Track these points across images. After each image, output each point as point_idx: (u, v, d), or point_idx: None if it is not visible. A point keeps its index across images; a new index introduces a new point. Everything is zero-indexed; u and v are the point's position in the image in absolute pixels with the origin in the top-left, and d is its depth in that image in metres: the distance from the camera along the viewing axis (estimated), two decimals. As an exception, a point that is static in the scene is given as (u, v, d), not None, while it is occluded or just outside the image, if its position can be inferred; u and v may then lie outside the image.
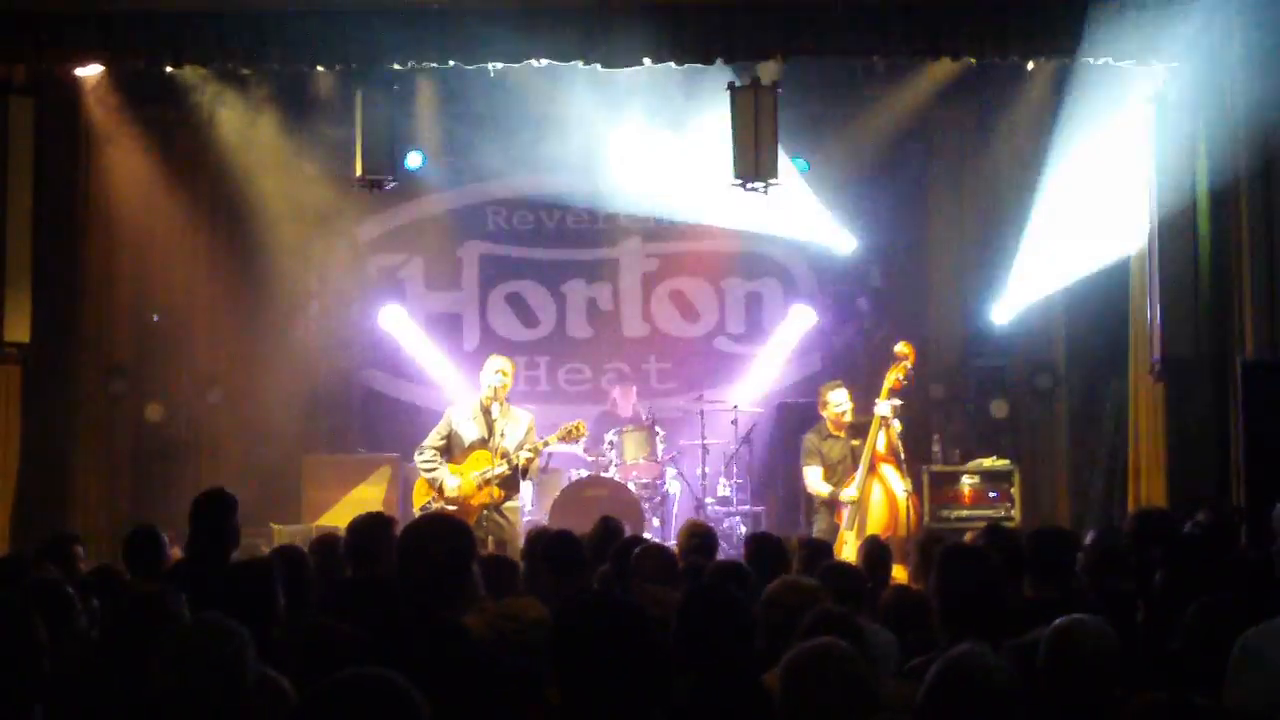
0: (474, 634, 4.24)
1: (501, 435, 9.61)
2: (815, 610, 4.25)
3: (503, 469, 9.54)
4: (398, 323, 12.53)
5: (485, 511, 9.51)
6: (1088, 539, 6.43)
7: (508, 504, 9.82)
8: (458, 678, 3.79)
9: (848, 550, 9.16)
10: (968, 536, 10.27)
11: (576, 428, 9.96)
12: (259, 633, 4.56)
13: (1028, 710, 3.29)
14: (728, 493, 11.72)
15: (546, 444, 9.86)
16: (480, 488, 9.55)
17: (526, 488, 10.39)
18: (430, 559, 4.15)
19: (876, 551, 7.05)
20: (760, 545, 6.62)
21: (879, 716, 3.50)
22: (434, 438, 9.78)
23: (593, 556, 6.40)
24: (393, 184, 10.90)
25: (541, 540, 6.55)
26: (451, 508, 9.39)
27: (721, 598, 4.05)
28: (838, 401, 9.94)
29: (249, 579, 4.99)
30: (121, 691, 4.21)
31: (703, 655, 3.85)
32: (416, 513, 9.65)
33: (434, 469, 9.66)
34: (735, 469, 11.77)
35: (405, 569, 4.24)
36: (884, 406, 9.44)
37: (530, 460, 9.68)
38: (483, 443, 9.66)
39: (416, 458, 9.83)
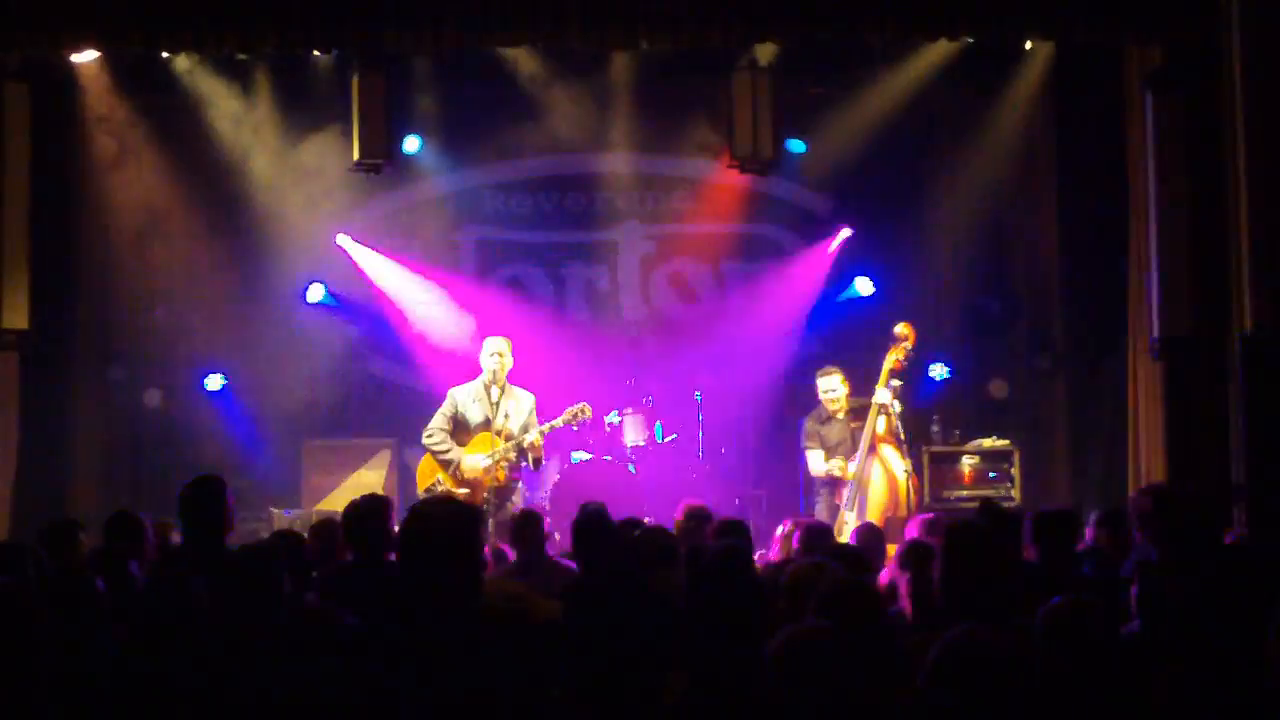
0: (480, 619, 4.23)
1: (505, 417, 9.61)
2: (829, 581, 4.24)
3: (508, 450, 9.53)
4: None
5: (488, 495, 9.52)
6: (1091, 519, 6.45)
7: (511, 487, 9.83)
8: (464, 662, 3.79)
9: (848, 531, 9.18)
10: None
11: (582, 410, 9.95)
12: (263, 618, 4.58)
13: (1028, 689, 3.30)
14: (728, 475, 11.72)
15: (553, 427, 9.85)
16: (487, 471, 9.55)
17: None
18: (437, 543, 4.10)
19: (870, 538, 7.06)
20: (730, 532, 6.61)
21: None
22: (440, 419, 9.78)
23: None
24: (389, 168, 10.91)
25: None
26: (460, 490, 9.39)
27: (729, 575, 4.05)
28: (828, 388, 9.95)
29: (253, 564, 5.00)
30: (139, 674, 4.22)
31: (710, 632, 3.85)
32: (421, 495, 9.65)
33: (447, 450, 9.65)
34: (735, 451, 11.77)
35: (409, 552, 4.19)
36: (883, 394, 9.43)
37: (537, 447, 9.67)
38: (486, 424, 9.66)
39: (426, 440, 9.82)
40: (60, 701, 3.90)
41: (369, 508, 6.12)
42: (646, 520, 7.65)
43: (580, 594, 5.17)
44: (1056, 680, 3.61)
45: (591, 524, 6.20)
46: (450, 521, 4.04)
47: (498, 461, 9.55)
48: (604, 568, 5.96)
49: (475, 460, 9.56)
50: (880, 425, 9.43)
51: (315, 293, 12.31)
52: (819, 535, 6.96)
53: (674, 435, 11.52)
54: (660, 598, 4.43)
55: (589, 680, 3.55)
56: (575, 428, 10.33)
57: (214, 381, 12.19)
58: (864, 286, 12.29)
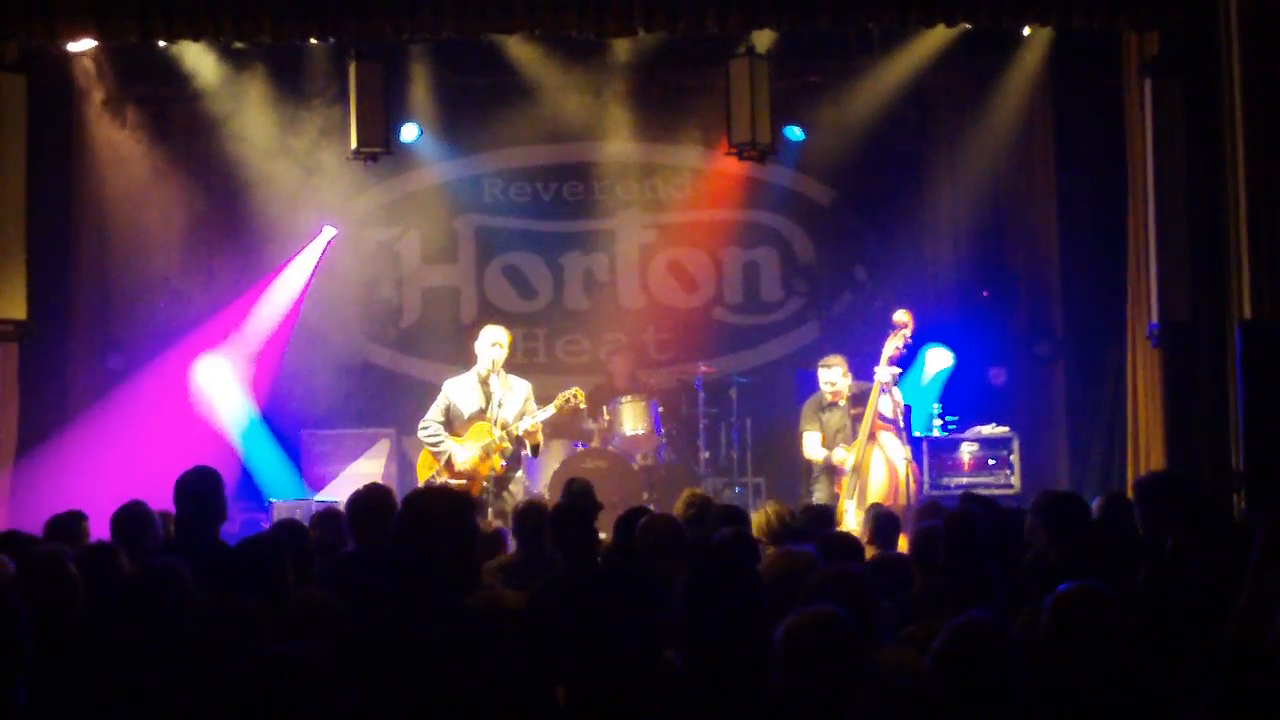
0: (476, 610, 4.23)
1: (500, 405, 9.58)
2: (821, 570, 4.25)
3: (501, 438, 9.51)
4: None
5: (486, 484, 9.51)
6: (1094, 505, 6.45)
7: (509, 476, 9.81)
8: (460, 654, 3.80)
9: (848, 519, 9.19)
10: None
11: (574, 395, 9.92)
12: (270, 608, 4.57)
13: (1035, 675, 3.31)
14: (727, 463, 11.74)
15: (547, 414, 9.83)
16: (483, 460, 9.54)
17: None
18: (432, 531, 4.11)
19: (883, 520, 7.04)
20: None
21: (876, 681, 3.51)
22: (435, 412, 9.76)
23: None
24: (388, 157, 10.90)
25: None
26: (457, 482, 9.38)
27: (732, 565, 4.04)
28: (828, 380, 9.93)
29: (259, 556, 5.00)
30: (127, 664, 4.22)
31: (712, 625, 3.84)
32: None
33: (440, 442, 9.63)
34: (734, 439, 11.78)
35: (404, 541, 4.20)
36: (884, 373, 9.44)
37: (533, 433, 9.63)
38: (481, 414, 9.64)
39: (420, 433, 9.80)
40: (46, 691, 3.91)
41: (372, 498, 6.12)
42: (651, 508, 7.66)
43: (551, 586, 5.17)
44: (1063, 666, 3.62)
45: (564, 517, 6.15)
46: (444, 509, 4.05)
47: (491, 451, 9.52)
48: (584, 561, 5.94)
49: (467, 453, 9.54)
50: (885, 406, 9.42)
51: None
52: (818, 519, 6.97)
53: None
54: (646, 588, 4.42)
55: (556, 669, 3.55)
56: (568, 413, 10.31)
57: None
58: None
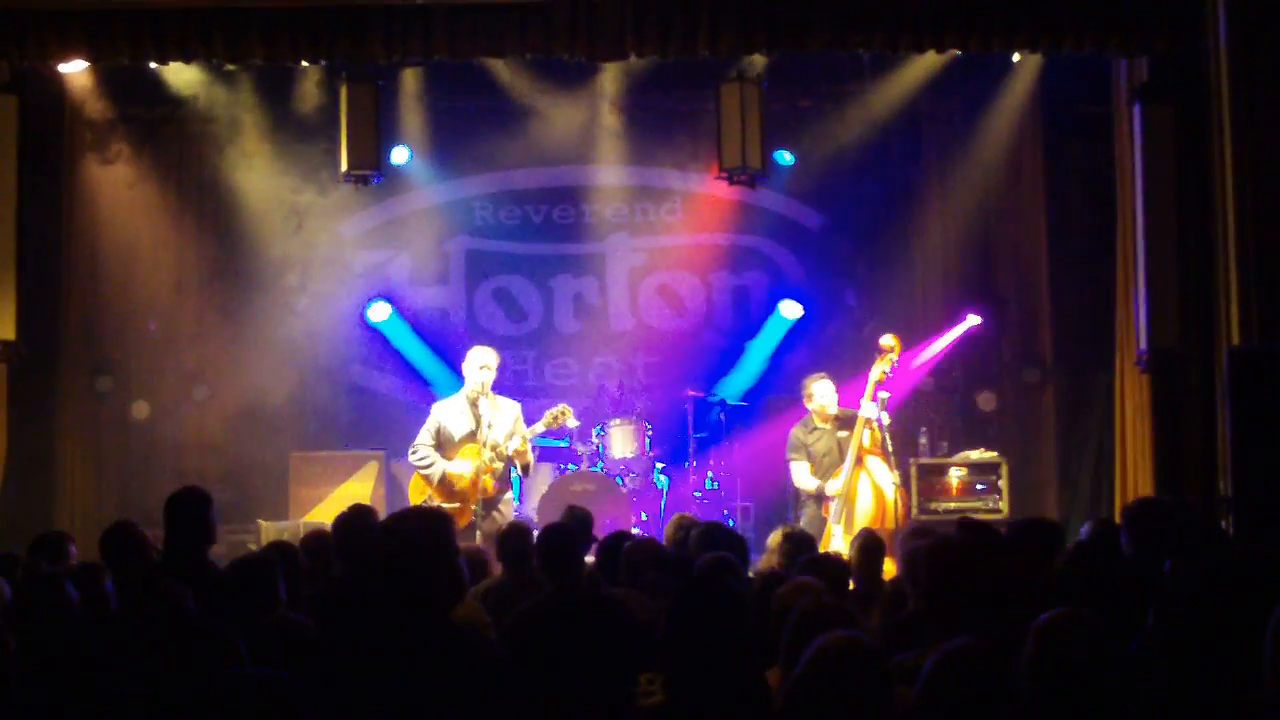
0: (463, 628, 4.23)
1: (489, 426, 9.55)
2: (807, 603, 4.24)
3: (491, 459, 9.49)
4: (385, 318, 12.50)
5: (475, 506, 9.48)
6: (1082, 531, 6.44)
7: (499, 497, 9.78)
8: (447, 672, 3.79)
9: (835, 543, 9.16)
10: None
11: (562, 412, 9.88)
12: (260, 627, 4.57)
13: (1020, 703, 3.29)
14: (715, 486, 11.72)
15: (535, 432, 9.80)
16: (474, 482, 9.51)
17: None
18: (412, 552, 4.12)
19: (871, 544, 7.02)
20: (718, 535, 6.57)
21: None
22: (425, 435, 9.72)
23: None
24: (379, 180, 10.90)
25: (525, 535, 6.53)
26: (451, 505, 9.34)
27: (717, 590, 4.03)
28: (821, 393, 9.92)
29: (251, 575, 4.99)
30: (117, 683, 4.21)
31: (698, 649, 3.83)
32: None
33: (430, 465, 9.60)
34: (722, 463, 11.77)
35: (388, 563, 4.21)
36: (870, 408, 9.39)
37: (523, 453, 9.60)
38: (472, 436, 9.61)
39: (411, 456, 9.75)
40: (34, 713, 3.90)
41: (356, 519, 6.09)
42: (635, 531, 7.65)
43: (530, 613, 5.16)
44: (1048, 695, 3.60)
45: (549, 538, 6.11)
46: (424, 529, 4.07)
47: (482, 471, 9.50)
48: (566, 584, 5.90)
49: (459, 466, 9.51)
50: (865, 439, 9.42)
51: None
52: (801, 544, 6.95)
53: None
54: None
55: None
56: (557, 430, 10.28)
57: (201, 393, 12.23)
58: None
